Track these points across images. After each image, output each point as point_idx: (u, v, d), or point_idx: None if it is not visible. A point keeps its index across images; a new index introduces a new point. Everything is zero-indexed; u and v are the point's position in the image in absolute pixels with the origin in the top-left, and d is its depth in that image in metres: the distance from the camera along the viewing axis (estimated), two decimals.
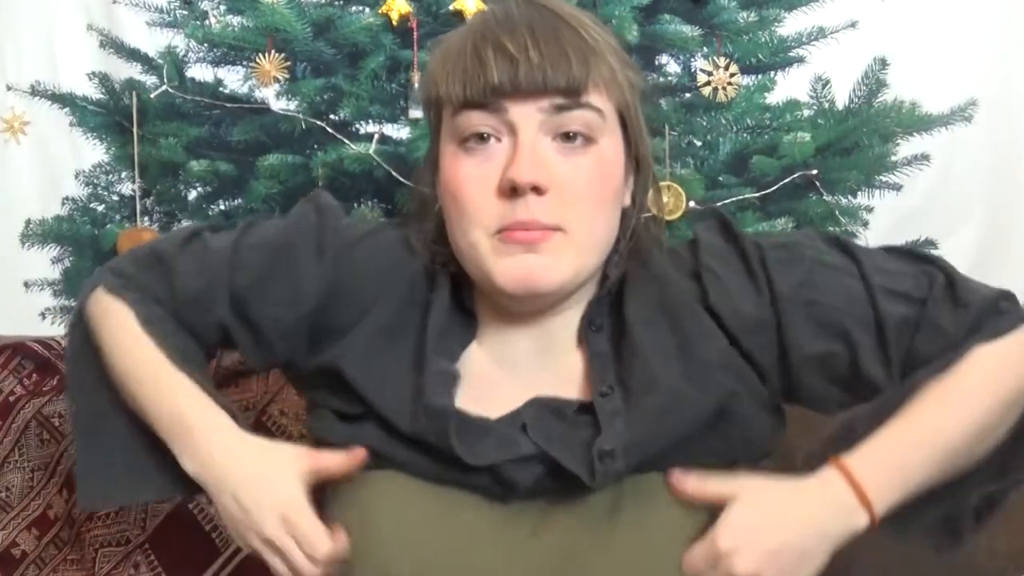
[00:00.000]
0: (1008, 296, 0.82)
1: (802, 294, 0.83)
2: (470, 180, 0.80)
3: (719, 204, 1.41)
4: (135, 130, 1.41)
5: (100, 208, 1.47)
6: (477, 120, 0.79)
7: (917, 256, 0.87)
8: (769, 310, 0.83)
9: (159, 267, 0.90)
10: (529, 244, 0.78)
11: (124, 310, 0.87)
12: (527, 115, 0.78)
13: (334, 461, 0.82)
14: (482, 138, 0.79)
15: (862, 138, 1.44)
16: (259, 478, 0.81)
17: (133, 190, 1.45)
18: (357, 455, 0.81)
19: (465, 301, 0.86)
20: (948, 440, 0.78)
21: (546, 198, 0.78)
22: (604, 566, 0.78)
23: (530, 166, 0.77)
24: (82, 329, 0.90)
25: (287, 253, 0.88)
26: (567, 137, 0.79)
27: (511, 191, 0.78)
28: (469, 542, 0.80)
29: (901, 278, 0.83)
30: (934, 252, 1.48)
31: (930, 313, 0.81)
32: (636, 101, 0.85)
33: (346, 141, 1.39)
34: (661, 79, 1.43)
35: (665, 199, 1.39)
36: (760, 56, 1.43)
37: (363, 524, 0.81)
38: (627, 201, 0.86)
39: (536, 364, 0.85)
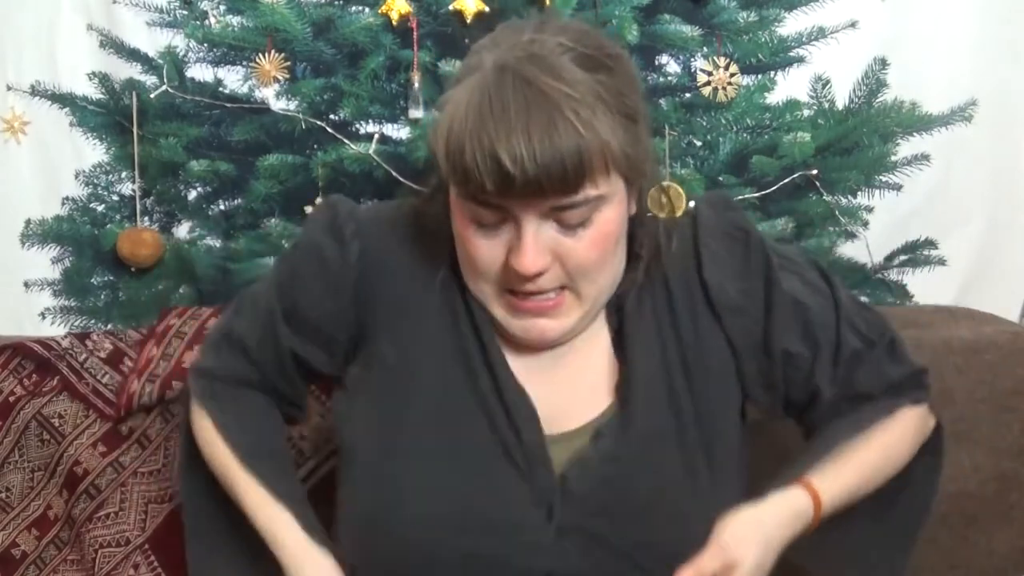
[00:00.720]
0: (926, 372, 0.97)
1: (794, 293, 0.90)
2: (478, 246, 0.84)
3: None
4: (135, 130, 1.41)
5: (100, 208, 1.47)
6: (480, 212, 0.82)
7: (872, 309, 0.98)
8: (760, 296, 0.90)
9: (227, 342, 0.97)
10: (539, 310, 0.84)
11: (206, 419, 0.96)
12: (527, 210, 0.80)
13: None
14: (486, 226, 0.82)
15: (862, 138, 1.44)
16: None
17: (133, 190, 1.45)
18: None
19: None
20: (867, 473, 0.90)
21: (550, 272, 0.82)
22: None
23: (533, 258, 0.80)
24: (188, 438, 0.99)
25: (309, 252, 0.93)
26: (569, 225, 0.82)
27: (517, 274, 0.82)
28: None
29: (861, 319, 0.94)
30: (934, 252, 1.49)
31: (875, 356, 0.93)
32: (636, 143, 0.83)
33: (346, 141, 1.39)
34: (661, 79, 1.43)
35: (665, 199, 1.39)
36: (760, 56, 1.43)
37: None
38: (632, 210, 0.88)
39: (556, 362, 0.90)
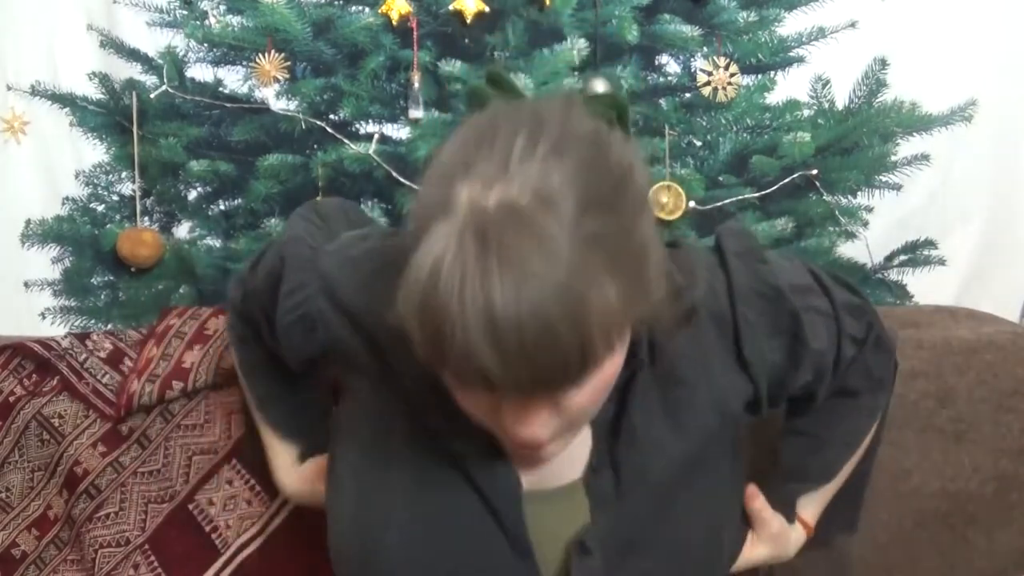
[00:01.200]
0: (894, 352, 1.00)
1: (817, 343, 0.89)
2: (471, 409, 0.72)
3: (719, 204, 1.41)
4: (135, 130, 1.41)
5: (100, 208, 1.47)
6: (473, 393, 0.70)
7: (858, 292, 0.97)
8: (786, 350, 0.89)
9: (244, 297, 1.01)
10: (536, 455, 0.75)
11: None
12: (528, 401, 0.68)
13: None
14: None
15: (862, 138, 1.44)
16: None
17: (133, 190, 1.45)
18: None
19: None
20: (846, 474, 1.02)
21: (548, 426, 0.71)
22: None
23: (533, 439, 0.70)
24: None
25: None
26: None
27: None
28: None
29: (853, 321, 0.93)
30: (934, 252, 1.49)
31: (864, 355, 0.95)
32: (644, 288, 0.67)
33: (346, 141, 1.39)
34: (661, 79, 1.43)
35: (665, 199, 1.39)
36: (760, 56, 1.43)
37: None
38: None
39: None
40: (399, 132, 1.41)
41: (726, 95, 1.41)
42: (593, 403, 0.73)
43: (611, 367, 0.70)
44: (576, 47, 1.36)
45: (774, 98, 1.44)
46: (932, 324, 1.33)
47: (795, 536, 0.99)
